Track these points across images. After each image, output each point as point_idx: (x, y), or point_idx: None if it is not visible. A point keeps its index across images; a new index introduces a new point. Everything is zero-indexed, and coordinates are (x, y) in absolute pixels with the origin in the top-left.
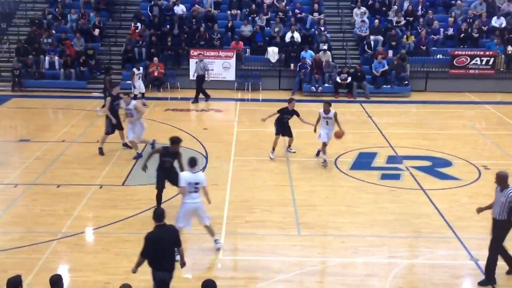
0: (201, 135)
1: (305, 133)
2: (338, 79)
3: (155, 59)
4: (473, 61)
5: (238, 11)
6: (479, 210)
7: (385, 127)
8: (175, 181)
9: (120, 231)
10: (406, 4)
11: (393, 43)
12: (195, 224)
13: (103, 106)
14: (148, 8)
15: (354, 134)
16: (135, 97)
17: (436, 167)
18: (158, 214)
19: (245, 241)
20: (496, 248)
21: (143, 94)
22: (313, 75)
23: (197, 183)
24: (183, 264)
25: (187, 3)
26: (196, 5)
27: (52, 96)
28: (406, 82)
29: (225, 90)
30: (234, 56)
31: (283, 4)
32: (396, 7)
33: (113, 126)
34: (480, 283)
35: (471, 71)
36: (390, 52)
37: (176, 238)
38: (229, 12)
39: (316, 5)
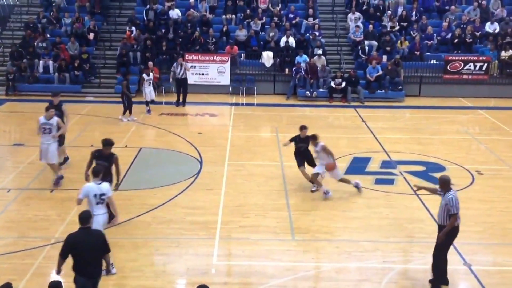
0: (196, 140)
1: None
2: (332, 84)
3: (150, 63)
4: (467, 67)
5: (233, 16)
6: (418, 187)
7: (379, 132)
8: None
9: (113, 236)
10: (400, 10)
11: (387, 48)
12: (190, 228)
13: (125, 113)
14: (143, 12)
15: (348, 139)
16: (148, 103)
17: (429, 172)
18: (83, 217)
19: (239, 246)
20: (439, 255)
21: (147, 102)
22: (307, 80)
23: (102, 194)
24: (107, 271)
25: (182, 7)
26: (191, 10)
27: (46, 100)
28: (400, 87)
29: (219, 94)
30: (229, 60)
31: (278, 9)
32: (390, 12)
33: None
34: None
35: (465, 77)
36: (384, 57)
37: (102, 243)
38: (224, 16)
39: (310, 10)
